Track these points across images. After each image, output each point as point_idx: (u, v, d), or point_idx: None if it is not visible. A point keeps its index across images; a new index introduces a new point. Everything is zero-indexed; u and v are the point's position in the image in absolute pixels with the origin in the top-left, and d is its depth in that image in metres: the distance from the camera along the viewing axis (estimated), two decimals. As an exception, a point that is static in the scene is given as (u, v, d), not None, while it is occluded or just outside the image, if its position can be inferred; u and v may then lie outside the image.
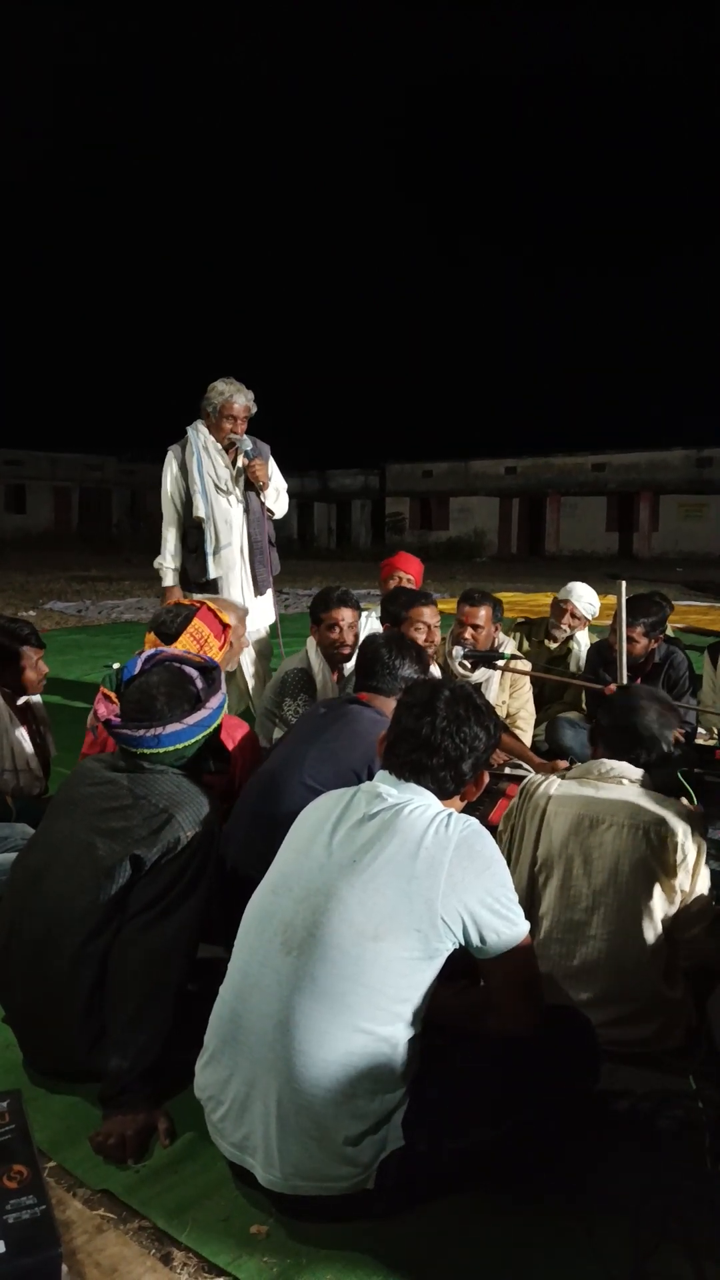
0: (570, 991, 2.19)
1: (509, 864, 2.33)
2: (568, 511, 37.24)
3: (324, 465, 44.30)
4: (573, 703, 4.97)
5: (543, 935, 2.24)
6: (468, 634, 4.26)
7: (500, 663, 4.09)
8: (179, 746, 2.21)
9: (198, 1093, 1.79)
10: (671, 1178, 1.77)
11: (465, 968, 1.82)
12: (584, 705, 4.86)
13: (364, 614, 5.02)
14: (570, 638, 5.11)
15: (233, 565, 4.67)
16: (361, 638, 4.83)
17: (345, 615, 3.98)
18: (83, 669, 7.84)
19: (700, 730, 4.66)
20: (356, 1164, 1.61)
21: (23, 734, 3.57)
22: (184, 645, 3.05)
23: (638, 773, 2.32)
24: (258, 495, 4.69)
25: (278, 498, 4.81)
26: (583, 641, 5.15)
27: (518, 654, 4.61)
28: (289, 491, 4.97)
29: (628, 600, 3.83)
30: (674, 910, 2.20)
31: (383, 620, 4.23)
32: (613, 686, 3.11)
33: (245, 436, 4.61)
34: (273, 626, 4.98)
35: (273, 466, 4.74)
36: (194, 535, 4.61)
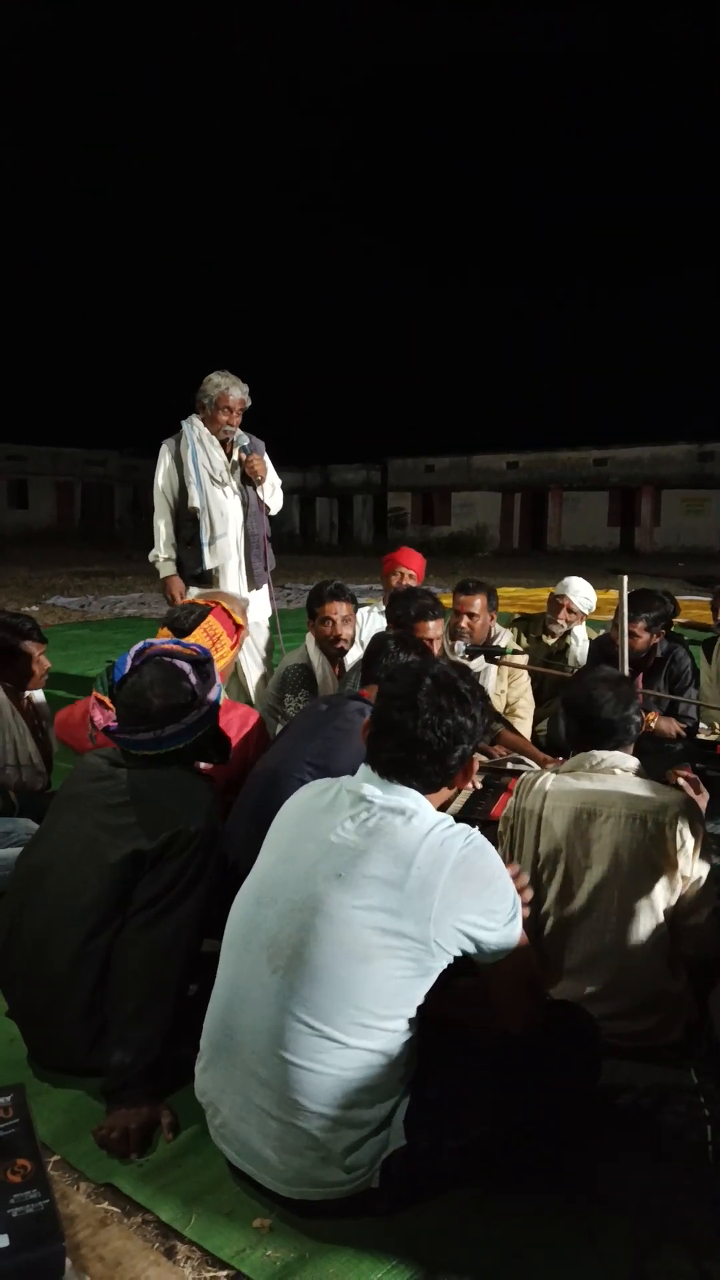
0: (574, 986, 2.20)
1: (510, 863, 2.33)
2: (570, 506, 37.17)
3: (326, 460, 44.29)
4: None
5: (547, 931, 2.24)
6: (464, 623, 4.26)
7: (499, 657, 4.09)
8: (179, 748, 2.20)
9: (198, 1096, 1.79)
10: (673, 1174, 1.78)
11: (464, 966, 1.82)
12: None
13: (368, 609, 5.03)
14: (568, 633, 5.10)
15: (229, 557, 4.69)
16: (365, 634, 4.85)
17: (339, 609, 3.98)
18: (85, 664, 7.84)
19: (701, 725, 4.66)
20: (358, 1167, 1.62)
21: (25, 729, 3.58)
22: (196, 641, 3.05)
23: (631, 761, 2.31)
24: (255, 489, 4.71)
25: (273, 493, 4.83)
26: (580, 636, 5.13)
27: (516, 647, 4.60)
28: (290, 487, 4.99)
29: (630, 595, 3.82)
30: (675, 898, 2.20)
31: (388, 622, 4.23)
32: None
33: (241, 432, 4.64)
34: (271, 620, 4.99)
35: (267, 462, 4.75)
36: (189, 527, 4.64)
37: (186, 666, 2.30)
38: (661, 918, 2.19)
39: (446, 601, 4.36)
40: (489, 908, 1.65)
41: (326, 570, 20.04)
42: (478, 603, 4.26)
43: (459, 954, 1.65)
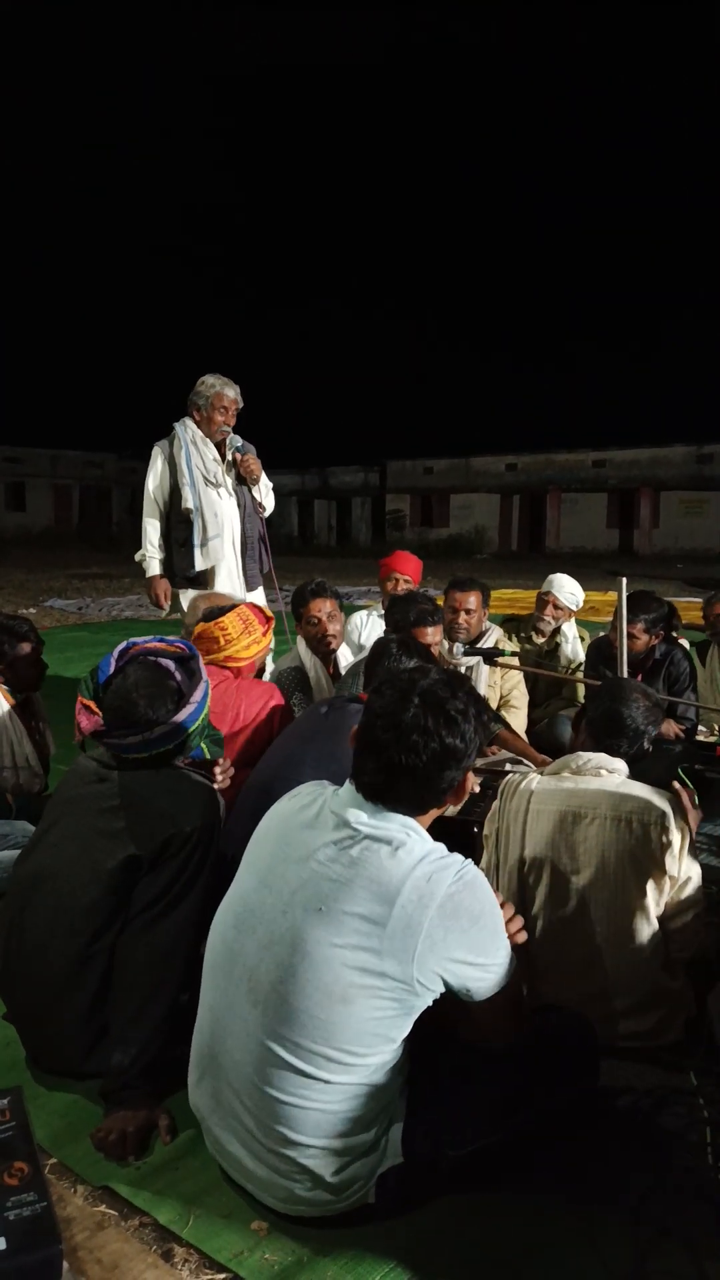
0: (568, 988, 2.19)
1: (496, 868, 2.33)
2: (568, 508, 37.19)
3: (324, 462, 44.28)
4: (572, 699, 4.96)
5: (538, 935, 2.24)
6: (461, 619, 4.26)
7: (498, 658, 4.08)
8: (170, 747, 2.17)
9: (193, 1109, 1.79)
10: (673, 1176, 1.77)
11: None
12: (583, 701, 4.84)
13: (366, 612, 5.03)
14: (557, 630, 5.07)
15: (222, 558, 4.70)
16: (365, 637, 4.85)
17: (324, 606, 3.98)
18: (83, 666, 7.84)
19: (700, 727, 4.66)
20: (352, 1185, 1.61)
21: (22, 731, 3.57)
22: (229, 623, 3.15)
23: (617, 763, 2.30)
24: (249, 491, 4.73)
25: (266, 493, 4.85)
26: (570, 635, 5.09)
27: (508, 644, 4.61)
28: (288, 489, 5.06)
29: (628, 596, 3.82)
30: (664, 899, 2.20)
31: (388, 626, 4.23)
32: None
33: (235, 434, 4.66)
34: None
35: (259, 465, 4.78)
36: (181, 529, 4.65)
37: (171, 664, 2.26)
38: (651, 919, 2.19)
39: (443, 602, 4.36)
40: (476, 946, 1.58)
41: (325, 572, 20.04)
42: (473, 599, 4.26)
43: (442, 991, 1.60)
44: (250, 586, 4.82)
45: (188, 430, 4.64)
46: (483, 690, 4.34)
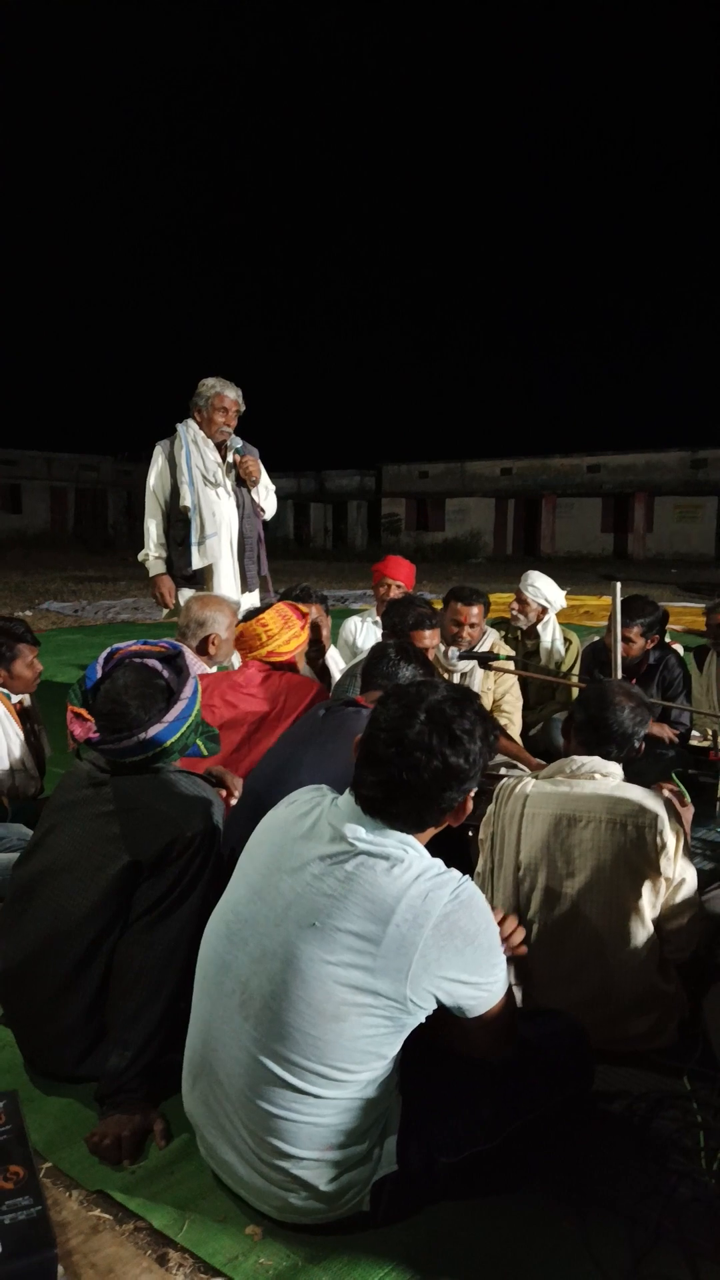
0: (563, 992, 2.20)
1: (492, 872, 2.33)
2: (563, 512, 37.24)
3: (320, 466, 44.30)
4: (565, 703, 4.95)
5: (533, 939, 2.24)
6: (464, 633, 4.26)
7: (493, 662, 4.09)
8: (164, 745, 2.16)
9: (187, 1115, 1.79)
10: (667, 1180, 1.78)
11: None
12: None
13: (360, 618, 5.03)
14: (535, 626, 5.02)
15: (220, 557, 4.72)
16: (361, 643, 4.86)
17: (312, 611, 3.99)
18: (79, 670, 7.83)
19: (694, 732, 4.67)
20: (346, 1195, 1.61)
21: (18, 734, 3.57)
22: (270, 620, 3.27)
23: (611, 767, 2.31)
24: (249, 492, 4.75)
25: (267, 495, 4.87)
26: (554, 635, 5.05)
27: (505, 648, 4.60)
28: (284, 492, 5.07)
29: (624, 601, 3.83)
30: (660, 901, 2.21)
31: (385, 629, 4.23)
32: None
33: (235, 435, 4.69)
34: None
35: (260, 467, 4.79)
36: (180, 528, 4.67)
37: (158, 664, 2.25)
38: (647, 921, 2.20)
39: (439, 606, 4.36)
40: (471, 965, 1.56)
41: (321, 575, 20.05)
42: (476, 612, 4.25)
43: (435, 1008, 1.58)
44: (248, 587, 4.83)
45: (189, 430, 4.68)
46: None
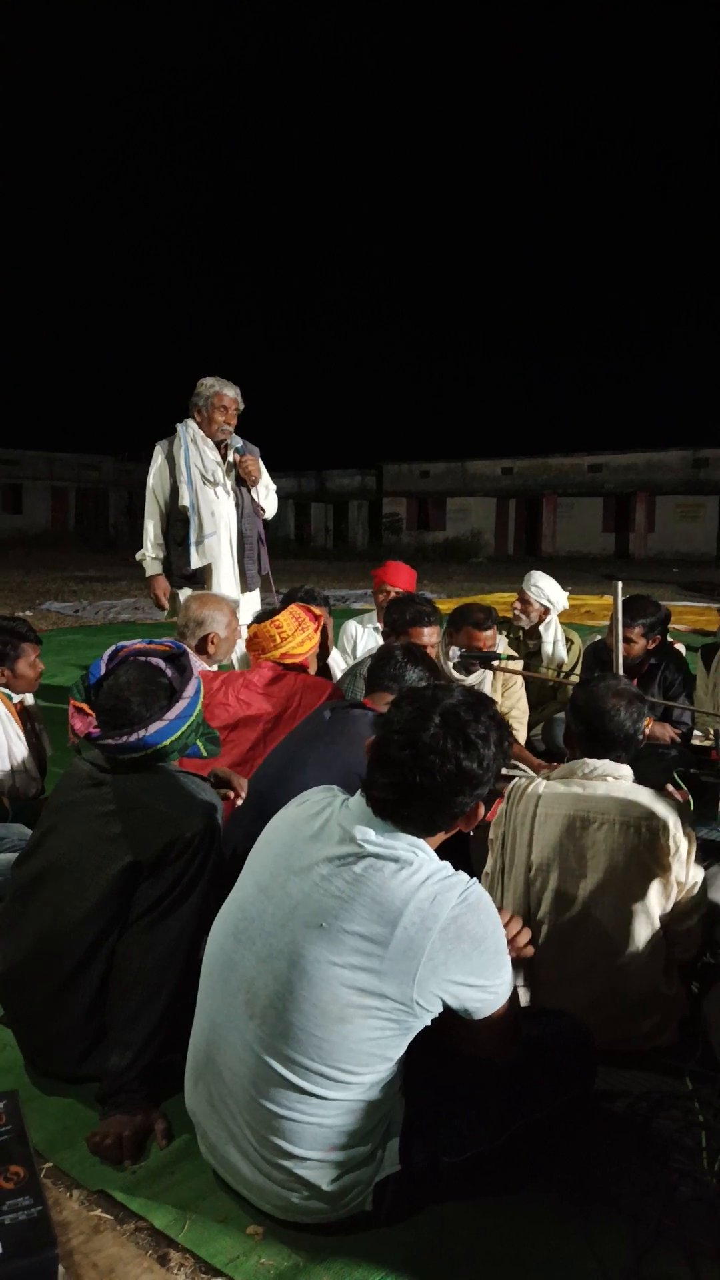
0: (571, 992, 2.20)
1: (503, 872, 2.33)
2: (564, 512, 37.25)
3: (321, 465, 44.32)
4: (567, 703, 4.94)
5: (542, 939, 2.24)
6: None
7: (495, 663, 4.09)
8: (165, 744, 2.16)
9: (189, 1112, 1.79)
10: (669, 1179, 1.78)
11: None
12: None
13: (360, 624, 5.02)
14: (537, 626, 5.02)
15: (219, 556, 4.72)
16: (361, 649, 4.86)
17: (320, 613, 3.99)
18: (79, 670, 7.83)
19: (696, 731, 4.67)
20: (349, 1194, 1.60)
21: (19, 734, 3.57)
22: (284, 621, 3.30)
23: (623, 769, 2.31)
24: (248, 492, 4.75)
25: (268, 495, 4.87)
26: (556, 636, 5.04)
27: (512, 653, 4.60)
28: (285, 492, 5.07)
29: (626, 601, 3.83)
30: (670, 904, 2.21)
31: (384, 625, 4.23)
32: None
33: (235, 435, 4.69)
34: None
35: (260, 466, 4.79)
36: (179, 527, 4.68)
37: (161, 663, 2.25)
38: (657, 923, 2.20)
39: (443, 608, 4.35)
40: (478, 969, 1.56)
41: (321, 575, 20.06)
42: (489, 635, 4.22)
43: (441, 1010, 1.58)
44: (248, 587, 4.83)
45: (189, 430, 4.69)
46: None
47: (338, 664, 4.38)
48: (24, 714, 3.67)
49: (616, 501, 36.14)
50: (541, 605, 4.93)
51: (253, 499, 4.79)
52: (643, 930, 2.18)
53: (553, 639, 5.01)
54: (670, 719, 4.42)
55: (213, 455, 4.68)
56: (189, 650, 2.39)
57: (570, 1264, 1.60)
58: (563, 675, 4.95)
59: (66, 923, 2.04)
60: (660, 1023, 2.20)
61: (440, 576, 21.50)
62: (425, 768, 1.59)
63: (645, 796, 2.24)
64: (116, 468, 43.26)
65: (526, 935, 1.80)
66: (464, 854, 2.59)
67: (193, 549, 4.64)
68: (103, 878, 2.03)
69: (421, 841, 1.63)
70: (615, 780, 2.28)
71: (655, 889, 2.18)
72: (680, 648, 4.85)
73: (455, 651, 4.18)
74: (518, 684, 4.47)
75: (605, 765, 2.30)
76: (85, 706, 2.26)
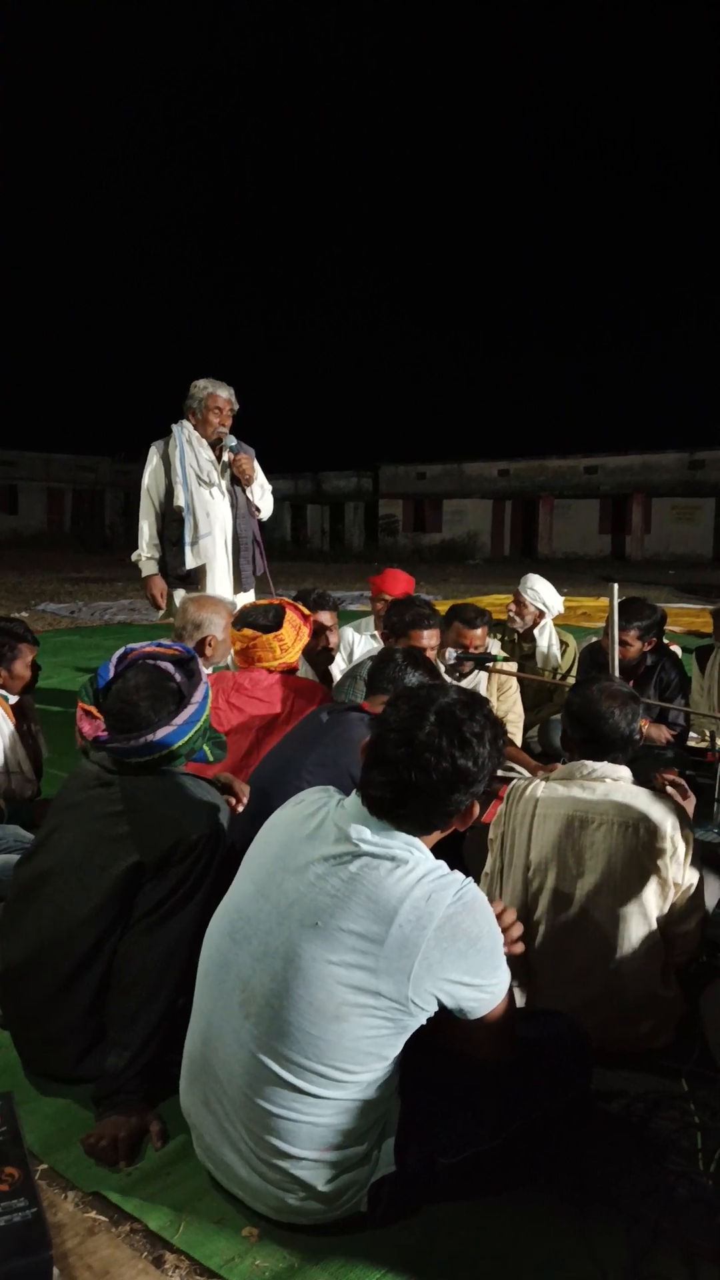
0: (568, 993, 2.20)
1: (501, 872, 2.33)
2: (561, 514, 37.29)
3: (317, 467, 44.30)
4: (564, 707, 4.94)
5: (539, 939, 2.24)
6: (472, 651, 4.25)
7: (490, 665, 4.10)
8: (173, 747, 2.17)
9: (183, 1112, 1.79)
10: (666, 1180, 1.78)
11: None
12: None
13: (362, 631, 5.02)
14: (532, 629, 5.03)
15: (214, 556, 4.73)
16: (357, 654, 4.86)
17: (325, 619, 4.00)
18: (75, 671, 7.83)
19: (692, 733, 4.67)
20: (344, 1195, 1.60)
21: (15, 735, 3.57)
22: (286, 634, 3.29)
23: (622, 770, 2.31)
24: (244, 492, 4.76)
25: (263, 495, 4.88)
26: (546, 638, 5.05)
27: (506, 656, 4.60)
28: (281, 493, 5.08)
29: (621, 603, 3.84)
30: (668, 906, 2.21)
31: (384, 628, 4.23)
32: None
33: (230, 435, 4.70)
34: None
35: (256, 466, 4.80)
36: (174, 527, 4.68)
37: (170, 667, 2.25)
38: (654, 924, 2.20)
39: (440, 608, 4.36)
40: (473, 967, 1.56)
41: (318, 576, 20.05)
42: (479, 634, 4.23)
43: (437, 1010, 1.58)
44: (243, 587, 4.85)
45: (184, 430, 4.71)
46: None
47: (339, 670, 4.37)
48: (20, 715, 3.67)
49: (613, 503, 36.19)
50: (537, 609, 4.94)
51: (248, 499, 4.80)
52: (640, 931, 2.18)
53: (548, 642, 5.02)
54: (666, 721, 4.42)
55: (208, 455, 4.70)
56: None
57: (567, 1265, 1.60)
58: (558, 678, 4.95)
59: (69, 922, 2.04)
60: (658, 1025, 2.20)
61: (436, 578, 21.52)
62: (421, 765, 1.60)
63: (644, 798, 2.24)
64: (113, 469, 43.23)
65: (519, 930, 1.80)
66: (458, 854, 2.59)
67: (188, 549, 4.65)
68: (107, 878, 2.03)
69: (417, 840, 1.64)
70: (614, 782, 2.28)
71: (653, 890, 2.19)
72: (676, 649, 4.86)
73: (451, 654, 4.19)
74: (513, 686, 4.48)
75: (604, 767, 2.30)
76: (93, 709, 2.26)
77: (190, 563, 4.67)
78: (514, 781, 2.43)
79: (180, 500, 4.61)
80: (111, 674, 2.27)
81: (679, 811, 2.24)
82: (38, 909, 2.10)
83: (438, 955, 1.52)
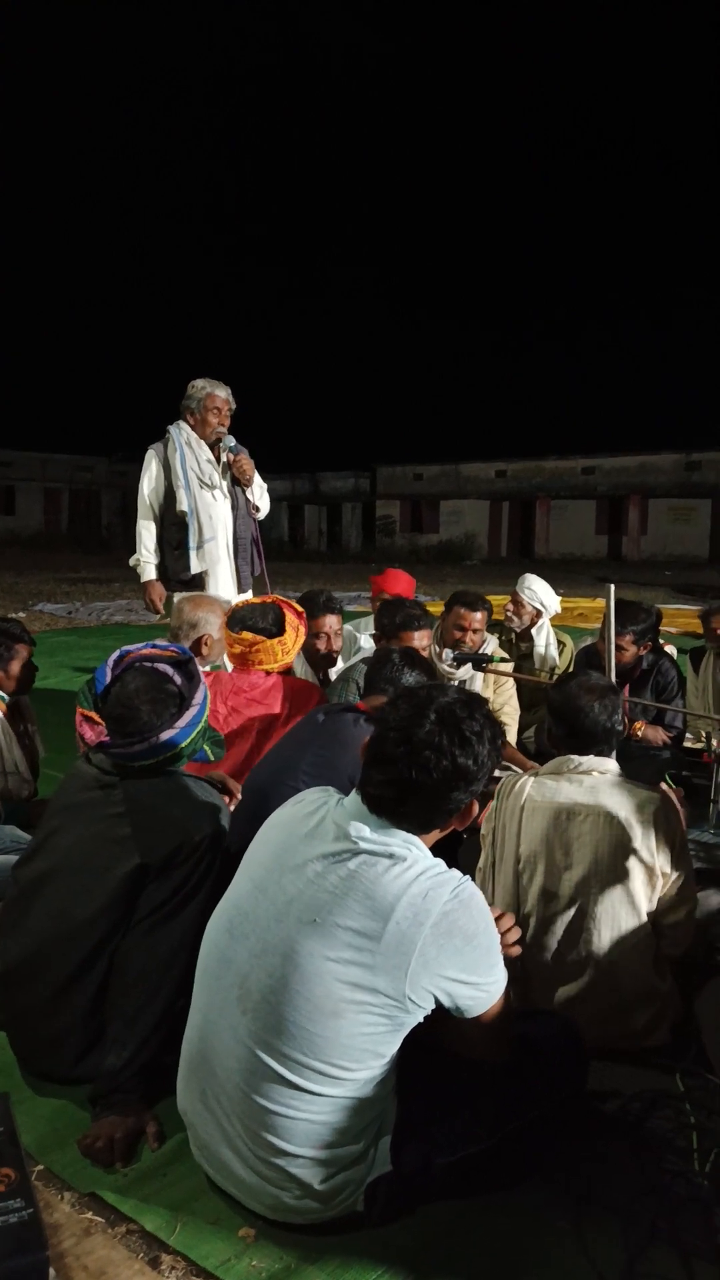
0: (560, 987, 2.20)
1: (493, 866, 2.34)
2: (557, 514, 37.33)
3: (314, 468, 44.31)
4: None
5: (530, 933, 2.25)
6: (468, 638, 4.26)
7: (486, 665, 4.09)
8: (175, 751, 2.16)
9: (180, 1111, 1.79)
10: (661, 1179, 1.78)
11: None
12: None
13: (360, 630, 5.02)
14: (529, 629, 5.03)
15: (218, 560, 4.71)
16: (356, 657, 4.86)
17: (332, 623, 4.00)
18: (72, 672, 7.82)
19: (688, 734, 4.68)
20: (339, 1195, 1.61)
21: (11, 736, 3.56)
22: (289, 639, 3.28)
23: (609, 763, 2.32)
24: (243, 492, 4.74)
25: (262, 494, 4.87)
26: (548, 640, 5.05)
27: (503, 654, 4.60)
28: (279, 494, 5.08)
29: (616, 606, 3.83)
30: (657, 896, 2.22)
31: (376, 629, 4.23)
32: None
33: (230, 435, 4.68)
34: None
35: (253, 466, 4.79)
36: (175, 532, 4.65)
37: (169, 669, 2.25)
38: (644, 916, 2.21)
39: (435, 609, 4.36)
40: (470, 965, 1.56)
41: (316, 577, 20.04)
42: (479, 617, 4.23)
43: (434, 1008, 1.58)
44: (243, 588, 4.83)
45: (182, 433, 4.66)
46: None
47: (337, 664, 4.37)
48: (17, 715, 3.67)
49: (610, 504, 36.23)
50: (534, 608, 4.94)
51: (247, 499, 4.78)
52: (630, 922, 2.19)
53: (545, 642, 5.02)
54: (663, 722, 4.43)
55: (207, 457, 4.68)
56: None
57: (564, 1265, 1.60)
58: (555, 678, 4.94)
59: (70, 924, 2.04)
60: (653, 1020, 2.20)
61: (434, 579, 21.52)
62: (422, 764, 1.61)
63: (630, 789, 2.26)
64: (110, 469, 43.21)
65: (516, 933, 1.81)
66: (453, 855, 2.59)
67: (192, 553, 4.62)
68: (110, 879, 2.03)
69: (415, 838, 1.64)
70: (601, 775, 2.30)
71: (640, 881, 2.19)
72: (671, 649, 4.86)
73: (448, 654, 4.19)
74: (508, 685, 4.48)
75: (591, 760, 2.31)
76: (94, 715, 2.25)
77: (195, 567, 4.64)
78: (504, 779, 2.43)
79: (184, 505, 4.57)
80: (109, 678, 2.25)
81: (665, 802, 2.25)
82: (38, 910, 2.10)
83: (434, 952, 1.53)
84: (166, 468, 4.63)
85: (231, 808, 2.54)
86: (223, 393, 4.68)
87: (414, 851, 1.62)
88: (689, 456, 34.58)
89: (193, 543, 4.62)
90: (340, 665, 4.40)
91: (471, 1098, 1.70)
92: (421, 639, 3.74)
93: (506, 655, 4.78)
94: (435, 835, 1.70)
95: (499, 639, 5.05)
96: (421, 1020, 1.60)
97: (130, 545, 4.87)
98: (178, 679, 2.23)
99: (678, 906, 2.24)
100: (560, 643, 5.06)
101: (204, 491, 4.65)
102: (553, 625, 5.15)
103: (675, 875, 2.22)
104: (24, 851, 2.28)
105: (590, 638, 5.08)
